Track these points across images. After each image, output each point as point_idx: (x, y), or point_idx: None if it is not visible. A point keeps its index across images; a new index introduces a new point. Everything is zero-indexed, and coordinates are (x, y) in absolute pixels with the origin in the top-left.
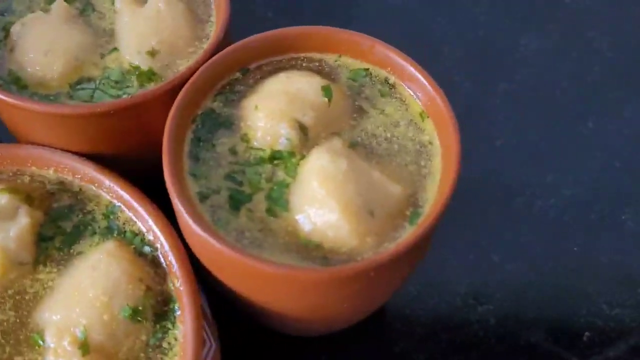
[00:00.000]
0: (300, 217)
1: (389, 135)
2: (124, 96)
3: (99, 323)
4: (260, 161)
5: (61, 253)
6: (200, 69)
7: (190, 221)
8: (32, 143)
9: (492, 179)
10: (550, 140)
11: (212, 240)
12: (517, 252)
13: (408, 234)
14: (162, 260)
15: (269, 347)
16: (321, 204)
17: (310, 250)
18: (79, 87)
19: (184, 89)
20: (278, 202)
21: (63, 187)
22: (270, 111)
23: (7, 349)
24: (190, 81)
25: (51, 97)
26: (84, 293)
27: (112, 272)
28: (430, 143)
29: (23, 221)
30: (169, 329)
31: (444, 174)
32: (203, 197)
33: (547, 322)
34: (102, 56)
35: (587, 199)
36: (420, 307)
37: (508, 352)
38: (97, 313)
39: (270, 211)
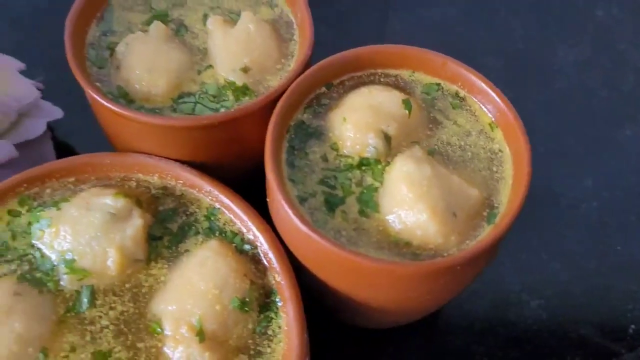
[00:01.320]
0: (390, 218)
1: (462, 143)
2: (222, 109)
3: (212, 313)
4: (350, 167)
5: (170, 251)
6: (292, 85)
7: (296, 220)
8: (136, 152)
9: (538, 183)
10: (589, 146)
11: (316, 237)
12: (564, 251)
13: (487, 232)
14: (262, 257)
15: (341, 338)
16: (410, 207)
17: (401, 248)
18: (180, 101)
19: (279, 103)
20: (369, 204)
21: (166, 191)
22: (357, 123)
23: (130, 337)
24: (284, 96)
25: (157, 111)
26: (196, 287)
27: (220, 268)
28: (501, 151)
29: (137, 222)
30: (273, 318)
31: (515, 178)
32: (302, 200)
33: (594, 316)
34: (199, 72)
35: (626, 201)
36: (478, 303)
37: (561, 345)
38: (210, 304)
39: (362, 212)
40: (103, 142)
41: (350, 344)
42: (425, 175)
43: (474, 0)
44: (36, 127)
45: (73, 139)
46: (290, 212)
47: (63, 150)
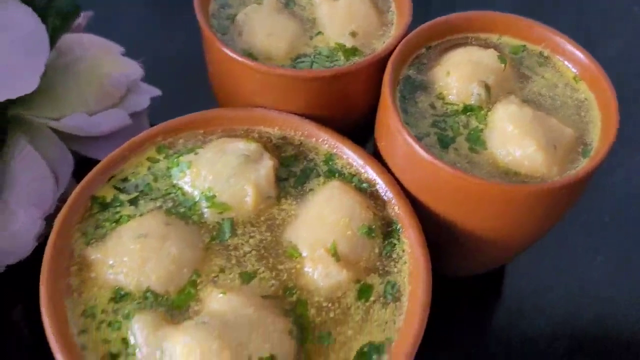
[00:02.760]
0: (498, 152)
1: (551, 94)
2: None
3: (344, 238)
4: (456, 113)
5: (296, 190)
6: (399, 45)
7: (422, 151)
8: (258, 106)
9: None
10: None
11: (441, 164)
12: None
13: (583, 164)
14: (380, 193)
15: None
16: (517, 142)
17: (510, 177)
18: (298, 60)
19: (391, 59)
20: (477, 142)
21: (286, 141)
22: (461, 75)
23: (271, 260)
24: (394, 53)
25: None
26: (327, 217)
27: (346, 201)
28: (586, 99)
29: (268, 163)
30: (395, 243)
31: (604, 121)
32: (419, 139)
33: None
34: (311, 38)
35: None
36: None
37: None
38: (342, 231)
39: (471, 149)
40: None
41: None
42: (528, 115)
43: None
44: (142, 101)
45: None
46: (415, 145)
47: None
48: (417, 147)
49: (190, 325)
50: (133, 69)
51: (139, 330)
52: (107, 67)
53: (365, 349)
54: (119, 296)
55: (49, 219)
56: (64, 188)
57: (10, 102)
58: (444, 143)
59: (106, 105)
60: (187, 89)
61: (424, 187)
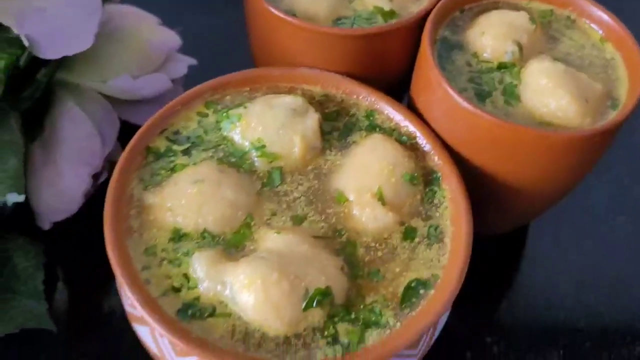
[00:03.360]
0: (533, 105)
1: (579, 54)
2: None
3: (388, 185)
4: (491, 70)
5: (340, 142)
6: (436, 8)
7: (464, 102)
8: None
9: None
10: None
11: (482, 113)
12: None
13: (614, 115)
14: (420, 145)
15: None
16: (551, 94)
17: (545, 127)
18: (339, 22)
19: (429, 19)
20: (512, 96)
21: (328, 98)
22: (496, 35)
23: (320, 205)
24: (431, 15)
25: None
26: (372, 166)
27: (390, 150)
28: (613, 58)
29: (314, 115)
30: (436, 190)
31: (631, 76)
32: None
33: None
34: (350, 1)
35: None
36: None
37: None
38: (386, 177)
39: (507, 102)
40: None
41: None
42: (560, 69)
43: None
44: (180, 68)
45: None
46: (455, 96)
47: None
48: (457, 97)
49: (249, 260)
50: (171, 37)
51: (199, 266)
52: (146, 34)
53: (413, 285)
54: (178, 236)
55: (96, 177)
56: (110, 148)
57: (58, 65)
58: (481, 97)
59: (147, 70)
60: (221, 60)
61: (463, 138)
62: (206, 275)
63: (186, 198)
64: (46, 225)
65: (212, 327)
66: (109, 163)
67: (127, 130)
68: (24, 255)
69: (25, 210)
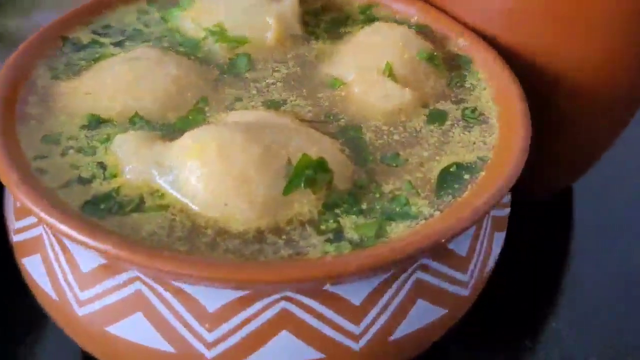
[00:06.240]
0: None
1: None
2: None
3: (400, 60)
4: None
5: (328, 33)
6: None
7: None
8: None
9: None
10: None
11: None
12: None
13: None
14: (437, 32)
15: None
16: None
17: None
18: None
19: None
20: None
21: None
22: None
23: (304, 90)
24: None
25: None
26: (377, 45)
27: (398, 29)
28: None
29: None
30: (466, 74)
31: None
32: None
33: None
34: None
35: None
36: None
37: None
38: (398, 53)
39: None
40: None
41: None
42: None
43: None
44: None
45: None
46: None
47: None
48: None
49: (197, 129)
50: None
51: (125, 145)
52: None
53: (452, 169)
54: (96, 122)
55: None
56: None
57: None
58: None
59: None
60: None
61: (498, 16)
62: (135, 155)
63: (113, 77)
64: None
65: (137, 224)
66: None
67: None
68: None
69: None
